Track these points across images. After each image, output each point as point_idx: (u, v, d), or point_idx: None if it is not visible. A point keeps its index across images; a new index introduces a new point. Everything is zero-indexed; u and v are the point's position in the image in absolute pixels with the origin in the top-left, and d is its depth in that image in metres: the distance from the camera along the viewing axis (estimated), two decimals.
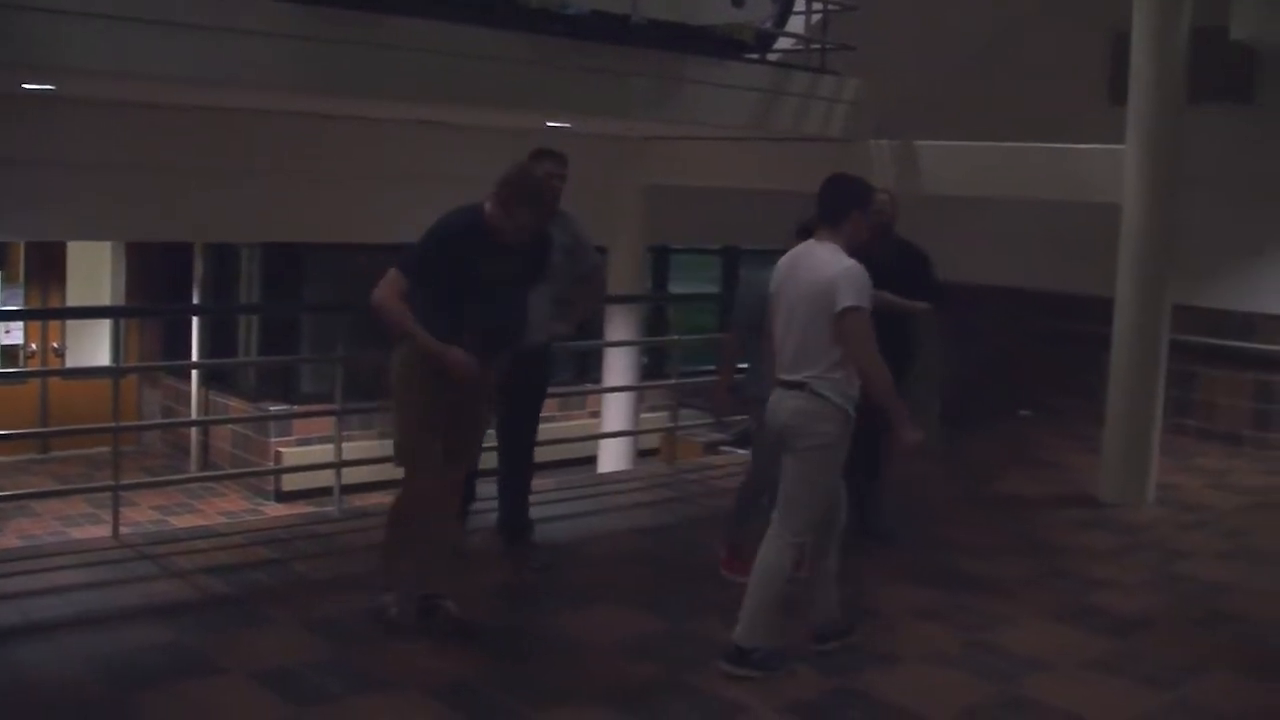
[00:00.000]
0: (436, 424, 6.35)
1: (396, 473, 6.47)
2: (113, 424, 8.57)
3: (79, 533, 11.76)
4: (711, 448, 13.78)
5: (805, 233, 6.61)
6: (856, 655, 6.50)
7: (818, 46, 12.57)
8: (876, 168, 11.68)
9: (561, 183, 7.46)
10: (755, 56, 12.07)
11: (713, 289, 19.02)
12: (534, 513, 8.12)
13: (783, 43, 12.73)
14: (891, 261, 7.57)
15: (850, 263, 6.05)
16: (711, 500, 9.79)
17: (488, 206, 6.24)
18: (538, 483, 8.36)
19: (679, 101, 11.03)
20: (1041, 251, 13.10)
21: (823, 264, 6.09)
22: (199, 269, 16.27)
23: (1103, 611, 7.46)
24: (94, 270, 16.77)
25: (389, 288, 6.21)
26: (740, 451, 12.78)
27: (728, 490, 9.95)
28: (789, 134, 12.14)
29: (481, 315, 6.26)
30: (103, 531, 8.48)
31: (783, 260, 6.38)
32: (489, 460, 7.72)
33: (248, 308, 16.80)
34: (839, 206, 6.25)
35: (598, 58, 10.19)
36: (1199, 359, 12.89)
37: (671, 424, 12.00)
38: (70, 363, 16.39)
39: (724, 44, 11.43)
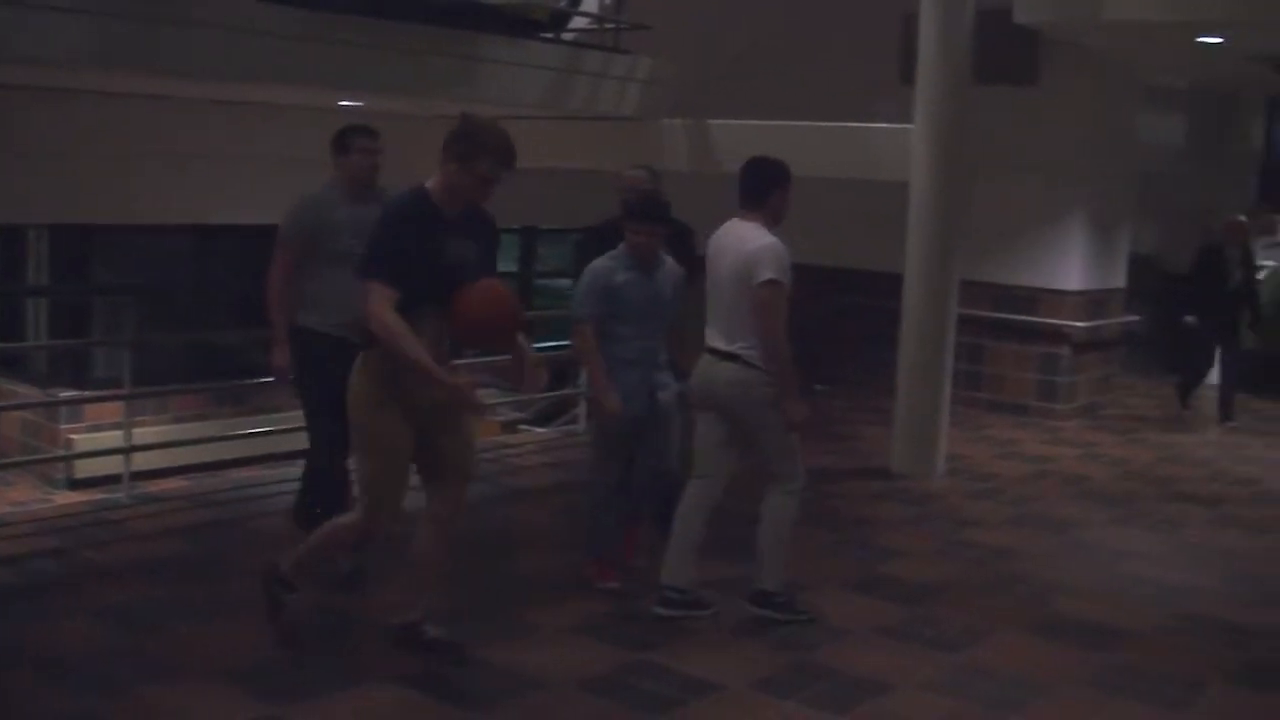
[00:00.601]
0: (408, 450, 5.71)
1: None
2: None
3: None
4: (510, 426, 13.78)
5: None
6: (642, 625, 6.59)
7: (612, 26, 12.61)
8: (669, 146, 11.79)
9: (377, 159, 7.14)
10: (550, 36, 12.08)
11: (511, 269, 18.94)
12: None
13: (579, 22, 12.77)
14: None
15: (771, 239, 6.45)
16: (508, 479, 9.80)
17: (432, 182, 5.66)
18: None
19: (472, 80, 10.99)
20: (836, 229, 13.33)
21: (745, 240, 6.48)
22: None
23: (895, 580, 7.65)
24: None
25: (384, 306, 5.43)
26: (538, 430, 12.81)
27: (525, 468, 10.00)
28: (583, 113, 12.19)
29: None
30: None
31: (711, 239, 6.73)
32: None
33: (35, 290, 16.31)
34: (761, 187, 6.65)
35: (389, 35, 10.11)
36: (987, 332, 13.24)
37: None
38: None
39: (518, 23, 11.42)
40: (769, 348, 6.41)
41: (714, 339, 6.61)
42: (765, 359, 6.42)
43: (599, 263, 7.01)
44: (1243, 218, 12.47)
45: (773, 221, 6.60)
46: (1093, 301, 13.54)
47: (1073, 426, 12.99)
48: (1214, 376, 13.59)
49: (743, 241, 6.50)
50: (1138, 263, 15.08)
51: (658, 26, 12.40)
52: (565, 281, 19.04)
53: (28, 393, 14.63)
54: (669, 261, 7.12)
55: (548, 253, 19.03)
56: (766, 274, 6.34)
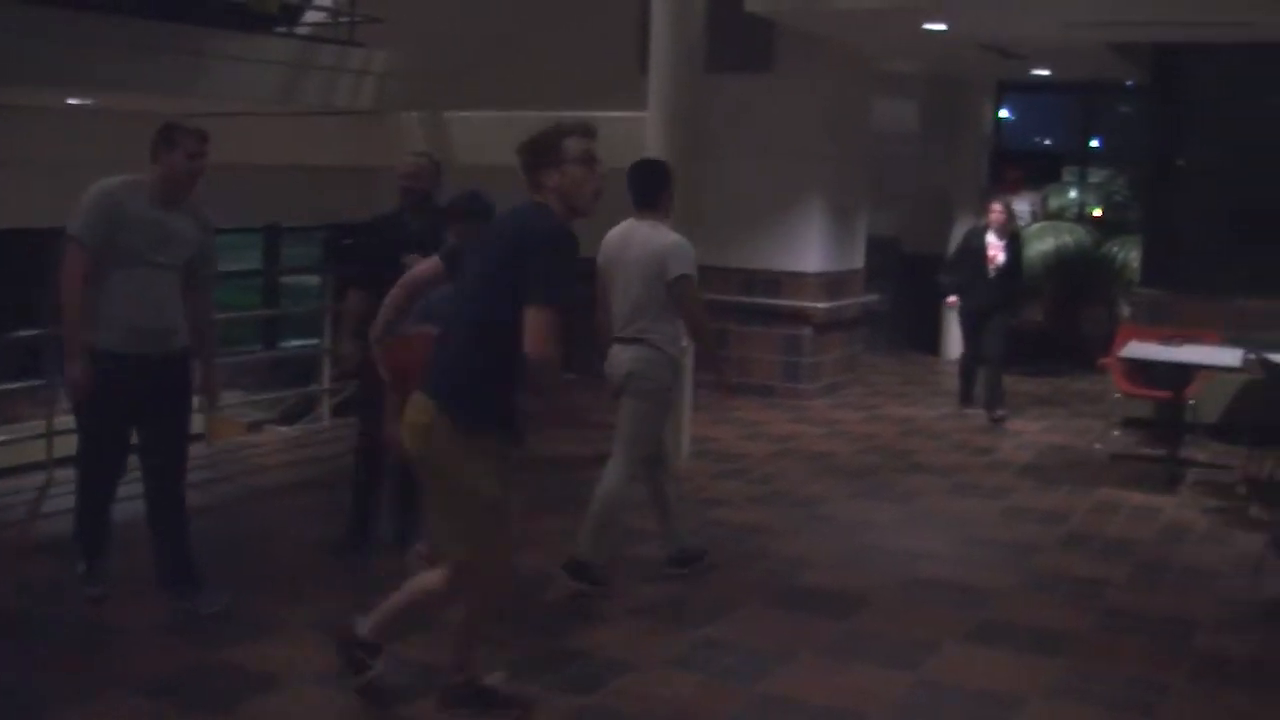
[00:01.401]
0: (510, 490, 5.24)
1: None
2: None
3: None
4: (256, 426, 13.55)
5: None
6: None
7: (346, 19, 12.49)
8: (407, 139, 11.72)
9: (203, 165, 6.44)
10: (283, 30, 11.91)
11: (255, 267, 18.63)
12: (61, 504, 7.68)
13: (315, 16, 12.63)
14: (424, 229, 7.53)
15: (677, 238, 7.06)
16: (256, 478, 9.66)
17: (547, 199, 5.07)
18: (64, 473, 7.99)
19: (203, 76, 10.78)
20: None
21: (651, 239, 7.04)
22: None
23: (644, 561, 7.72)
24: None
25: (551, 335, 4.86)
26: (282, 429, 12.62)
27: (269, 467, 9.85)
28: (318, 108, 12.04)
29: None
30: None
31: (610, 238, 7.21)
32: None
33: None
34: (652, 189, 7.19)
35: (114, 30, 9.86)
36: (731, 317, 13.42)
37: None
38: None
39: (249, 18, 11.23)
40: (699, 332, 7.27)
41: (622, 329, 7.12)
42: (699, 340, 7.45)
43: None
44: (999, 205, 12.61)
45: (665, 217, 7.19)
46: (833, 283, 13.84)
47: (818, 405, 13.28)
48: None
49: (649, 240, 7.05)
50: (878, 244, 15.49)
51: (394, 19, 12.31)
52: (312, 279, 18.85)
53: None
54: None
55: (292, 251, 18.77)
56: (680, 269, 6.96)
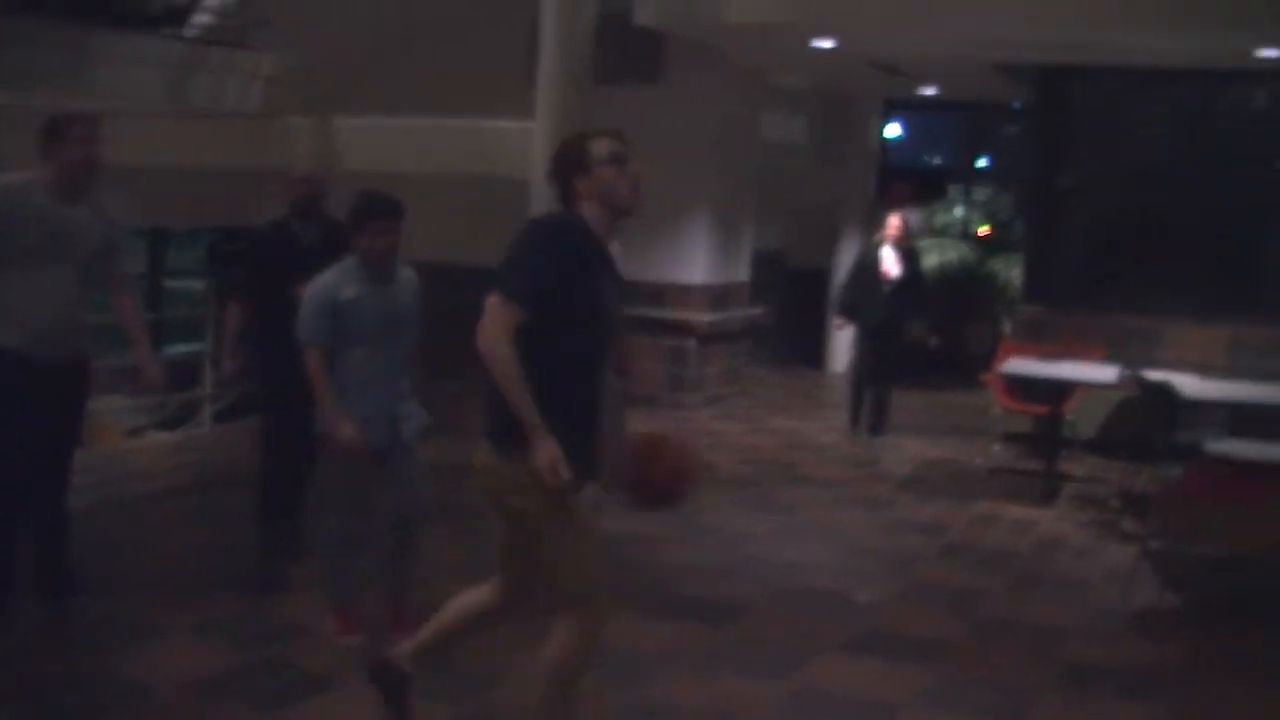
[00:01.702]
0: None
1: None
2: None
3: None
4: (138, 432, 13.36)
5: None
6: (265, 625, 6.52)
7: (235, 21, 12.37)
8: (295, 144, 11.64)
9: (97, 150, 6.20)
10: (170, 31, 11.78)
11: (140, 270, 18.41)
12: None
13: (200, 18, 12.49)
14: (317, 239, 7.43)
15: None
16: (136, 483, 9.53)
17: (583, 209, 4.83)
18: None
19: (86, 76, 10.61)
20: (454, 226, 13.27)
21: None
22: None
23: None
24: None
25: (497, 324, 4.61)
26: (163, 435, 12.46)
27: (146, 474, 9.72)
28: (206, 110, 11.92)
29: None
30: None
31: None
32: None
33: None
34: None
35: None
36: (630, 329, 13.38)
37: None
38: None
39: (135, 17, 11.08)
40: None
41: None
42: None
43: (324, 278, 6.19)
44: (896, 220, 12.48)
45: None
46: (718, 295, 13.94)
47: (702, 417, 13.34)
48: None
49: None
50: (764, 258, 15.60)
51: (283, 22, 12.20)
52: (197, 283, 18.66)
53: None
54: (406, 270, 6.48)
55: (178, 254, 18.59)
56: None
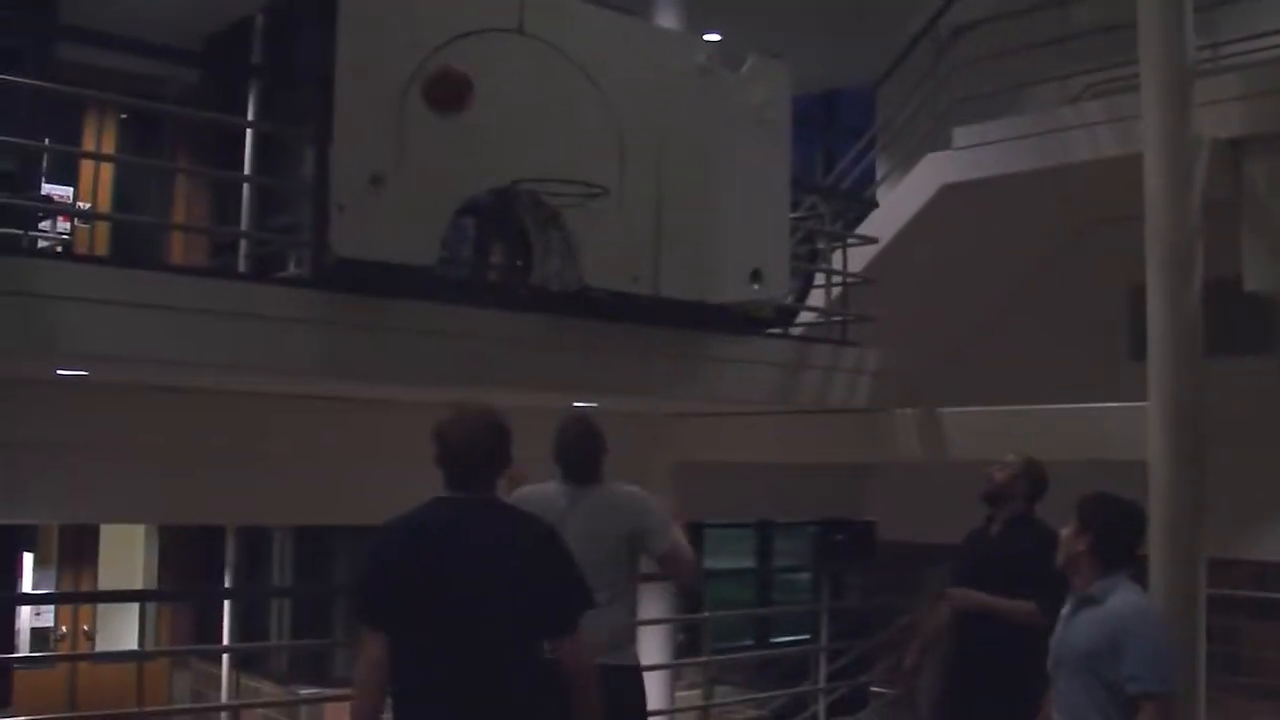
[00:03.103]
0: None
1: None
2: (135, 709, 8.48)
3: None
4: None
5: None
6: None
7: (839, 319, 12.69)
8: (902, 437, 11.69)
9: None
10: (777, 331, 12.18)
11: (749, 564, 18.92)
12: None
13: (805, 316, 12.89)
14: (1023, 553, 7.38)
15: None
16: None
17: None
18: None
19: (702, 379, 11.09)
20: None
21: None
22: (230, 551, 16.24)
23: None
24: (126, 552, 16.77)
25: None
26: None
27: None
28: (813, 407, 12.19)
29: None
30: None
31: None
32: None
33: (277, 591, 16.71)
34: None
35: (618, 338, 10.30)
36: (1243, 613, 12.58)
37: (707, 701, 11.78)
38: (100, 645, 16.27)
39: (743, 321, 11.52)
40: None
41: None
42: None
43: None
44: None
45: None
46: None
47: None
48: None
49: None
50: None
51: (881, 315, 12.44)
52: (804, 576, 19.00)
53: (271, 691, 14.93)
54: None
55: (784, 546, 18.97)
56: None
